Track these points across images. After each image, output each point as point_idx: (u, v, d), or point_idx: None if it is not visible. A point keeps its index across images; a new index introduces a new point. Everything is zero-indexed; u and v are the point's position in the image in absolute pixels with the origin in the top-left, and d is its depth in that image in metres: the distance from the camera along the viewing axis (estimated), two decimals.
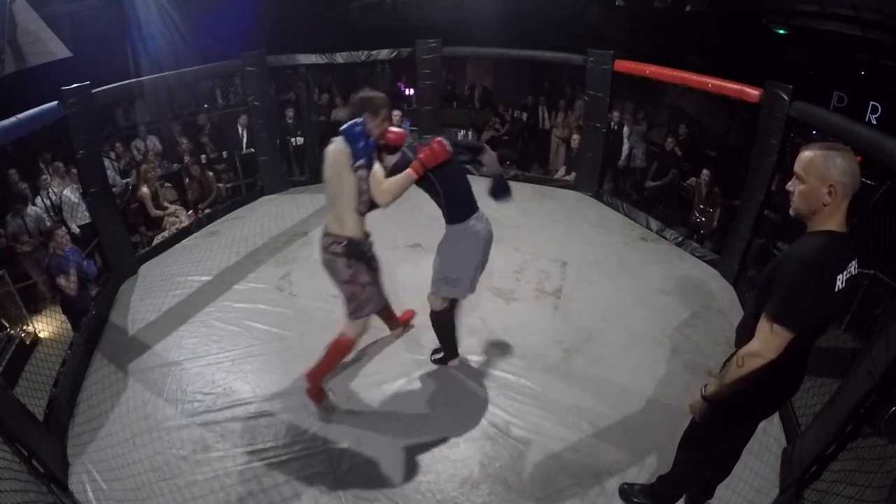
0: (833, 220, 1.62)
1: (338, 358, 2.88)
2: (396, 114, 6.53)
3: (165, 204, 5.53)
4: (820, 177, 1.59)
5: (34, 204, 4.87)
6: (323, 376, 2.91)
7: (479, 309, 3.84)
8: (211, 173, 5.88)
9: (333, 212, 2.65)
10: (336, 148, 2.48)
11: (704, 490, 2.37)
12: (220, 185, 5.97)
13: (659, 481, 2.37)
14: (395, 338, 3.49)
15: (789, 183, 1.70)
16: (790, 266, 1.61)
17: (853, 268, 1.65)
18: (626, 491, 2.49)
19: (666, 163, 5.72)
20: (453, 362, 3.25)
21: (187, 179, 5.77)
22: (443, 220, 2.78)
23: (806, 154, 1.64)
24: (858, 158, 1.69)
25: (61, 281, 3.71)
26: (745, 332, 1.79)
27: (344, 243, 2.65)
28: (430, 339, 3.43)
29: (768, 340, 1.61)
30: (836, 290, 1.61)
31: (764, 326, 1.62)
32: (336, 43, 6.31)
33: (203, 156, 6.35)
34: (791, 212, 1.71)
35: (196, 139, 6.25)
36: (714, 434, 1.98)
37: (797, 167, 1.66)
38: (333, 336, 2.85)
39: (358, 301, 2.74)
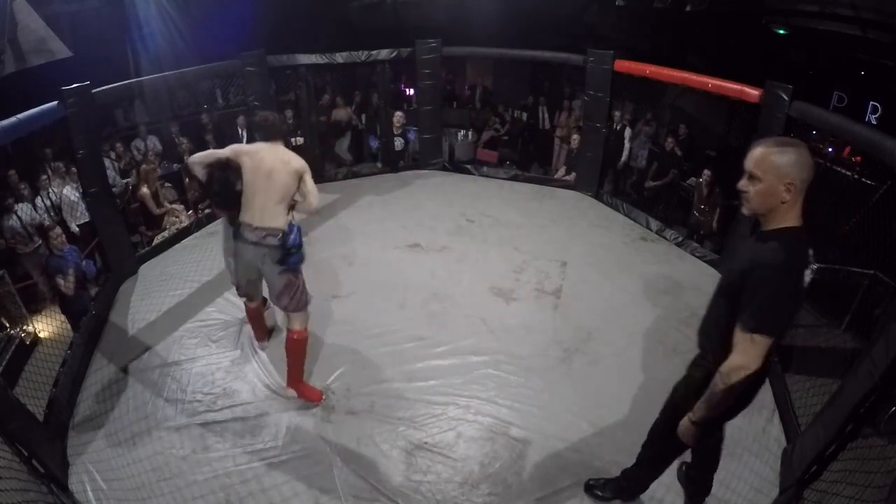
0: (791, 216, 1.59)
1: (303, 355, 3.01)
2: (398, 115, 6.54)
3: (165, 203, 5.54)
4: (778, 174, 1.55)
5: (34, 204, 4.87)
6: (302, 376, 3.05)
7: (479, 309, 3.84)
8: None
9: (273, 207, 2.75)
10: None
11: (699, 487, 2.38)
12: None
13: (624, 475, 2.38)
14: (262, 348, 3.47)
15: (742, 182, 1.66)
16: (763, 274, 1.56)
17: (811, 257, 1.64)
18: (592, 486, 2.50)
19: (666, 163, 5.72)
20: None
21: (187, 179, 5.76)
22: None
23: (760, 151, 1.60)
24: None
25: (59, 281, 3.71)
26: (710, 334, 1.78)
27: (279, 235, 2.76)
28: (437, 342, 3.45)
29: (750, 351, 1.57)
30: (805, 284, 1.61)
31: (744, 338, 1.58)
32: (336, 43, 6.31)
33: None
34: (745, 211, 1.68)
35: (201, 138, 6.24)
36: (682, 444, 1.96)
37: (751, 166, 1.62)
38: (287, 338, 2.96)
39: (296, 288, 2.86)
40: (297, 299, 2.86)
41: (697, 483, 2.38)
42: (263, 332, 3.50)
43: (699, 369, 1.88)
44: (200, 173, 2.88)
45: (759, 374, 1.68)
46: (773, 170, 1.56)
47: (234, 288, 4.09)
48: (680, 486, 2.52)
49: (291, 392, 3.05)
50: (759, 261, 1.59)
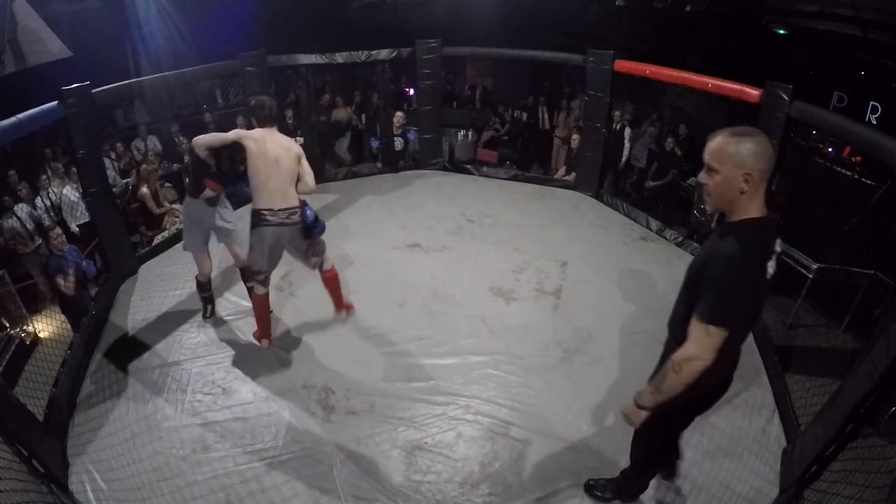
0: (753, 206, 1.56)
1: (339, 283, 3.61)
2: (399, 115, 6.54)
3: (165, 203, 5.54)
4: (734, 164, 1.52)
5: (34, 204, 4.87)
6: (342, 297, 3.67)
7: (479, 309, 3.84)
8: None
9: (287, 189, 3.06)
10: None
11: (630, 484, 2.38)
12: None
13: (622, 476, 2.38)
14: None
15: (700, 174, 1.64)
16: (719, 266, 1.54)
17: (778, 246, 1.62)
18: (591, 486, 2.49)
19: (666, 163, 5.72)
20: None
21: (187, 180, 5.76)
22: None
23: (716, 142, 1.57)
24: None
25: (59, 281, 3.71)
26: (676, 328, 1.75)
27: (298, 212, 3.11)
28: (437, 342, 3.45)
29: (704, 343, 1.54)
30: (768, 276, 1.59)
31: (698, 328, 1.55)
32: (336, 43, 6.31)
33: None
34: (707, 207, 1.64)
35: None
36: (657, 438, 1.99)
37: (708, 157, 1.60)
38: (326, 278, 3.49)
39: (319, 245, 3.35)
40: (320, 251, 3.36)
41: (628, 480, 2.36)
42: (269, 327, 3.54)
43: (664, 362, 1.86)
44: (204, 154, 3.06)
45: (717, 379, 1.68)
46: (730, 160, 1.53)
47: (232, 288, 4.11)
48: (681, 488, 2.52)
49: (343, 313, 3.67)
50: (716, 253, 1.57)
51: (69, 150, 4.10)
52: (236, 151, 3.05)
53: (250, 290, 3.48)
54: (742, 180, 1.52)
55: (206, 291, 3.75)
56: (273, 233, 3.05)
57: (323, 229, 3.31)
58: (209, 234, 3.53)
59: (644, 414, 1.77)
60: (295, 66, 5.80)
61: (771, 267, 1.58)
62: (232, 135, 3.04)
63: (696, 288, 1.61)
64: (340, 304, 3.67)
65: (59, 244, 3.79)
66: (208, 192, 3.29)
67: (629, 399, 1.81)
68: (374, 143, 6.73)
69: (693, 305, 1.60)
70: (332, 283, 3.54)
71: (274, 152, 2.98)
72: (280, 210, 3.01)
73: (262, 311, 3.43)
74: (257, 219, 3.05)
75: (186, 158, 5.95)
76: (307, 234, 3.22)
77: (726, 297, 1.52)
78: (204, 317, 3.76)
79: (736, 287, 1.52)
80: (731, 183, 1.54)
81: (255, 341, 3.52)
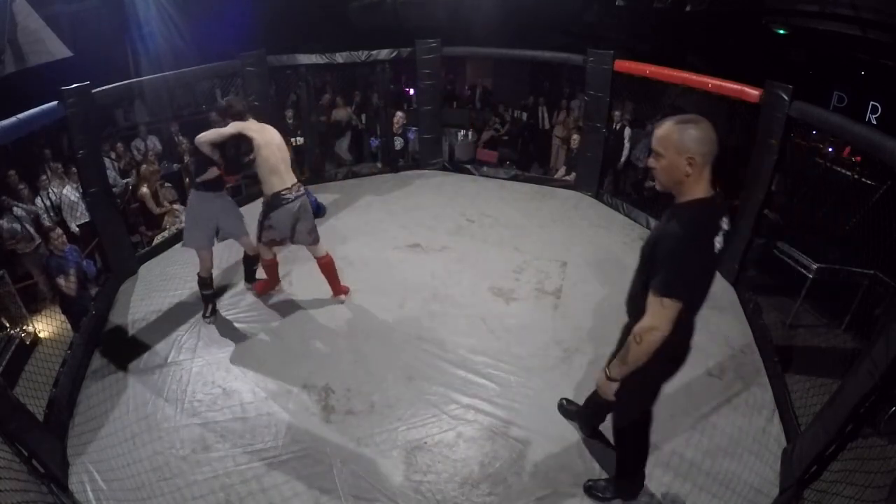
0: (699, 188, 1.69)
1: (335, 268, 3.88)
2: (399, 115, 6.54)
3: (165, 203, 5.54)
4: (678, 150, 1.65)
5: (34, 203, 4.87)
6: (339, 283, 3.92)
7: (479, 308, 3.84)
8: None
9: (290, 168, 3.50)
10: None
11: (596, 416, 2.59)
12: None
13: (618, 474, 2.42)
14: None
15: (650, 160, 1.77)
16: (669, 242, 1.68)
17: (725, 224, 1.72)
18: (590, 487, 2.50)
19: None
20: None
21: (187, 179, 5.76)
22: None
23: (661, 130, 1.69)
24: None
25: (61, 281, 3.71)
26: (634, 305, 1.88)
27: (303, 186, 3.57)
28: (437, 342, 3.44)
29: (660, 314, 1.68)
30: (716, 251, 1.70)
31: (654, 302, 1.68)
32: (336, 43, 6.31)
33: None
34: (657, 187, 1.78)
35: None
36: (633, 408, 2.08)
37: (654, 144, 1.72)
38: (322, 263, 3.80)
39: (314, 226, 3.70)
40: (315, 233, 3.67)
41: (596, 414, 2.52)
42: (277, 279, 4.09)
43: (627, 336, 1.96)
44: (208, 150, 3.28)
45: (677, 349, 1.86)
46: (674, 146, 1.65)
47: (232, 288, 4.12)
48: (682, 490, 2.52)
49: (341, 297, 3.90)
50: (666, 231, 1.71)
51: (66, 152, 4.09)
52: (241, 143, 3.31)
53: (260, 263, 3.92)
54: (686, 164, 1.65)
55: (209, 288, 3.76)
56: (293, 207, 3.45)
57: (325, 211, 3.92)
58: (215, 230, 3.61)
59: (615, 385, 1.91)
60: (295, 66, 5.80)
61: (718, 243, 1.70)
62: (231, 129, 3.28)
63: (649, 265, 1.75)
64: (338, 289, 3.90)
65: (59, 244, 3.79)
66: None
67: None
68: (374, 143, 6.73)
69: (647, 282, 1.73)
70: (328, 268, 3.81)
71: (273, 138, 3.37)
72: (293, 186, 3.45)
73: (273, 269, 3.97)
74: (277, 201, 3.42)
75: (187, 158, 5.96)
76: (316, 210, 3.67)
77: (678, 272, 1.66)
78: (204, 316, 3.76)
79: (686, 262, 1.66)
80: (676, 166, 1.67)
81: (256, 341, 3.51)
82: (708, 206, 1.69)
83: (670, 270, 1.67)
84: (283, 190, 3.40)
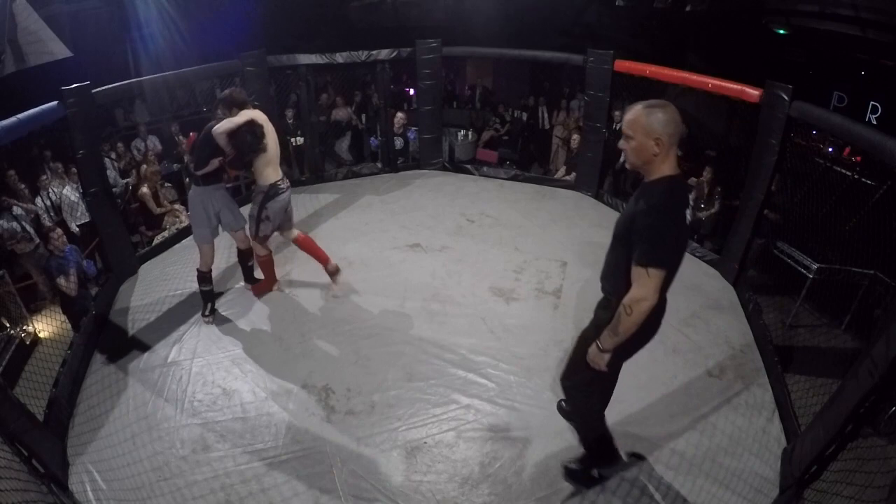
0: (667, 166, 1.82)
1: (314, 243, 3.92)
2: (400, 115, 6.54)
3: (166, 203, 5.54)
4: (645, 132, 1.77)
5: (34, 203, 4.87)
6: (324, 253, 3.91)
7: (479, 308, 3.84)
8: None
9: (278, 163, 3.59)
10: None
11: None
12: None
13: (584, 445, 2.50)
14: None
15: (620, 142, 1.89)
16: (647, 217, 1.79)
17: (690, 200, 1.81)
18: (571, 469, 2.56)
19: None
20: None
21: (187, 179, 5.76)
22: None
23: (630, 114, 1.82)
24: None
25: (61, 281, 3.71)
26: (612, 279, 2.00)
27: None
28: (437, 342, 3.44)
29: (647, 284, 1.79)
30: (687, 223, 1.85)
31: (640, 273, 1.79)
32: (336, 43, 6.31)
33: None
34: (627, 166, 1.90)
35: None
36: (602, 374, 2.11)
37: (624, 127, 1.85)
38: (301, 240, 3.85)
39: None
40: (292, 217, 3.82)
41: (592, 442, 2.52)
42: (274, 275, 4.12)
43: (606, 311, 2.04)
44: (224, 141, 3.29)
45: (658, 310, 1.95)
46: (642, 128, 1.78)
47: (232, 287, 4.12)
48: (682, 490, 2.52)
49: (332, 264, 3.88)
50: (642, 206, 1.82)
51: (69, 150, 4.09)
52: (255, 129, 3.36)
53: (256, 258, 3.91)
54: (654, 144, 1.77)
55: (208, 284, 3.75)
56: (286, 198, 3.58)
57: None
58: (217, 224, 3.65)
59: (608, 356, 2.01)
60: (295, 66, 5.80)
61: (688, 215, 1.79)
62: (241, 117, 3.32)
63: (625, 242, 1.87)
64: (326, 258, 3.89)
65: (60, 245, 3.79)
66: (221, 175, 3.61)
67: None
68: (375, 143, 6.73)
69: (628, 255, 1.85)
70: (307, 243, 3.88)
71: (271, 129, 3.45)
72: (284, 177, 3.57)
73: (271, 267, 3.97)
74: (274, 191, 3.52)
75: (187, 158, 5.96)
76: None
77: (658, 242, 1.78)
78: (204, 315, 3.75)
79: (664, 232, 1.78)
80: (645, 147, 1.79)
81: (256, 341, 3.51)
82: (677, 181, 1.84)
83: (651, 241, 1.77)
84: (278, 181, 3.52)
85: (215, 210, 3.59)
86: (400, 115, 6.59)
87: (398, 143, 6.58)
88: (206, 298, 3.77)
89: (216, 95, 7.13)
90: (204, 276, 3.71)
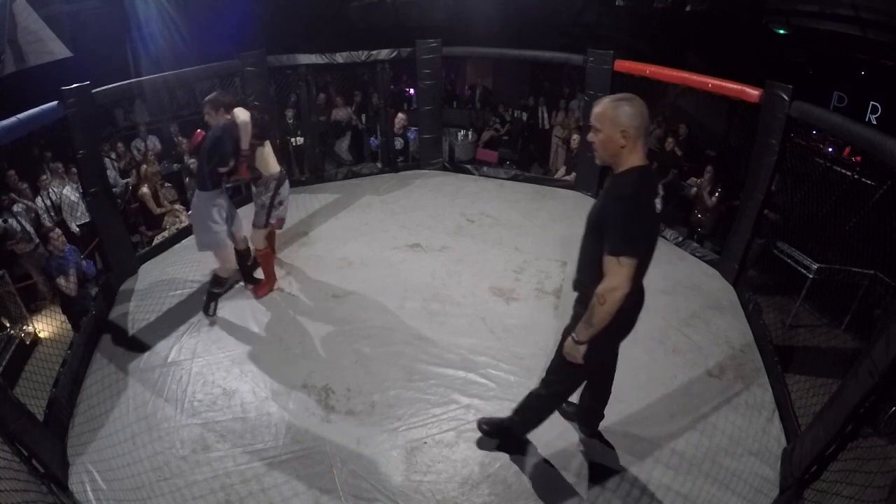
0: (635, 157, 1.87)
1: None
2: (401, 116, 6.54)
3: (165, 203, 5.54)
4: (612, 124, 1.83)
5: (33, 203, 4.87)
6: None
7: (478, 308, 3.84)
8: None
9: None
10: None
11: (594, 415, 2.68)
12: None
13: (517, 412, 2.56)
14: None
15: (589, 135, 1.94)
16: (616, 207, 1.85)
17: (661, 189, 1.94)
18: (485, 429, 2.70)
19: (666, 163, 5.72)
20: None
21: (187, 179, 5.76)
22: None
23: (598, 107, 1.87)
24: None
25: (61, 281, 3.71)
26: (586, 271, 2.03)
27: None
28: (437, 342, 3.44)
29: (620, 273, 1.82)
30: (657, 212, 1.90)
31: (612, 263, 1.83)
32: (336, 43, 6.31)
33: None
34: (597, 160, 1.95)
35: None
36: (586, 359, 2.10)
37: (592, 120, 1.90)
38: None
39: None
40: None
41: (592, 411, 2.66)
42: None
43: (582, 305, 2.06)
44: (248, 132, 3.38)
45: (634, 300, 2.00)
46: (609, 121, 1.84)
47: (232, 287, 4.12)
48: (682, 490, 2.52)
49: (250, 287, 4.01)
50: (612, 197, 1.89)
51: (69, 150, 4.09)
52: (263, 116, 3.56)
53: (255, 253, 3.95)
54: (620, 136, 1.83)
55: (221, 287, 3.75)
56: (287, 185, 3.78)
57: None
58: (231, 223, 3.67)
59: (583, 348, 2.02)
60: (295, 66, 5.80)
61: (658, 204, 1.89)
62: (245, 116, 3.38)
63: (597, 233, 1.91)
64: (266, 281, 4.03)
65: (59, 245, 3.79)
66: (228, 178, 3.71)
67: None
68: (375, 143, 6.73)
69: (595, 249, 1.90)
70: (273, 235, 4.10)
71: None
72: (282, 168, 3.74)
73: (271, 262, 4.04)
74: (283, 176, 3.73)
75: (187, 158, 5.96)
76: None
77: (628, 231, 1.82)
78: (207, 314, 3.74)
79: (633, 222, 1.83)
80: (612, 139, 1.85)
81: (256, 341, 3.51)
82: (645, 171, 1.88)
83: (621, 231, 1.82)
84: (278, 172, 3.70)
85: (228, 211, 3.60)
86: (401, 115, 6.59)
87: (398, 143, 6.59)
88: (212, 298, 3.76)
89: (227, 93, 7.16)
90: (222, 282, 3.69)
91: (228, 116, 3.37)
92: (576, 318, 2.11)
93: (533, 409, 2.50)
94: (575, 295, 2.17)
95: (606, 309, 1.86)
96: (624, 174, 1.88)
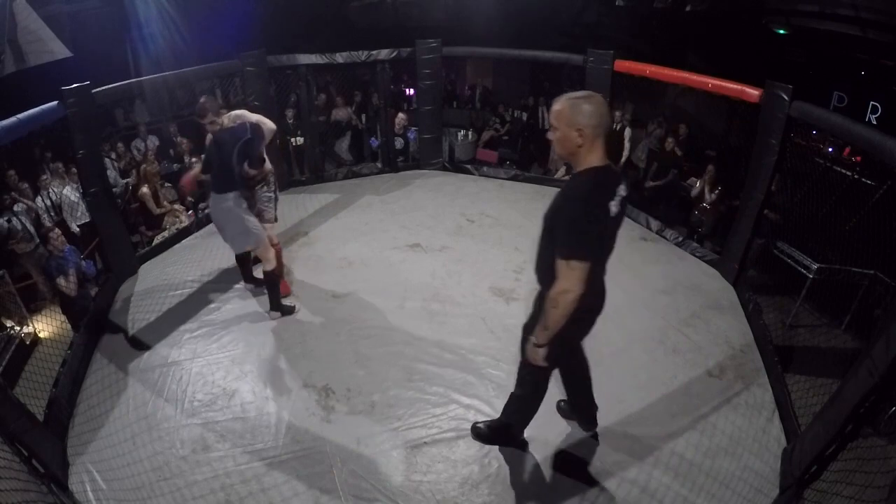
0: (593, 157, 1.84)
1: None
2: (401, 116, 6.54)
3: (165, 204, 5.54)
4: (568, 123, 1.81)
5: (33, 202, 4.87)
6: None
7: (478, 308, 3.84)
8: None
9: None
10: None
11: (587, 407, 2.68)
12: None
13: (508, 403, 2.56)
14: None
15: (549, 132, 1.93)
16: (567, 208, 1.84)
17: (622, 190, 1.90)
18: (480, 430, 2.67)
19: (666, 163, 5.72)
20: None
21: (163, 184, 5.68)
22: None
23: (556, 105, 1.86)
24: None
25: (61, 282, 3.71)
26: (543, 271, 2.02)
27: None
28: (437, 342, 3.44)
29: (570, 276, 1.82)
30: (612, 214, 1.86)
31: (562, 266, 1.83)
32: (336, 43, 6.31)
33: (203, 156, 6.32)
34: (555, 157, 1.91)
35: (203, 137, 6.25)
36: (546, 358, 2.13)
37: (551, 118, 1.89)
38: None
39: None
40: None
41: (580, 406, 2.68)
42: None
43: (539, 304, 2.10)
44: (269, 134, 3.50)
45: (592, 300, 2.00)
46: (565, 119, 1.82)
47: (232, 287, 4.12)
48: (682, 490, 2.52)
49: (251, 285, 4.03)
50: (564, 198, 1.88)
51: (69, 149, 4.09)
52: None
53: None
54: (577, 135, 1.80)
55: (281, 276, 3.86)
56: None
57: None
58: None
59: (543, 351, 2.04)
60: (295, 66, 5.80)
61: (614, 206, 1.86)
62: (254, 117, 3.45)
63: (550, 233, 1.91)
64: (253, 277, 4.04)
65: (59, 245, 3.79)
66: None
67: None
68: (374, 143, 6.73)
69: (549, 250, 1.90)
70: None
71: None
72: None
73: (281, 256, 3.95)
74: (273, 175, 3.74)
75: (187, 158, 5.96)
76: None
77: (578, 235, 1.81)
78: (283, 312, 3.74)
79: (585, 225, 1.80)
80: (568, 137, 1.82)
81: (256, 341, 3.52)
82: (601, 173, 1.85)
83: (571, 234, 1.81)
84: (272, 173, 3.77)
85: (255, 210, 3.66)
86: (401, 115, 6.59)
87: (398, 143, 6.58)
88: (277, 296, 3.72)
89: (216, 96, 7.15)
90: (275, 278, 3.67)
91: (224, 119, 3.41)
92: (533, 317, 2.16)
93: (517, 409, 2.52)
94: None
95: (560, 312, 1.87)
96: (579, 174, 1.87)
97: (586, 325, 2.18)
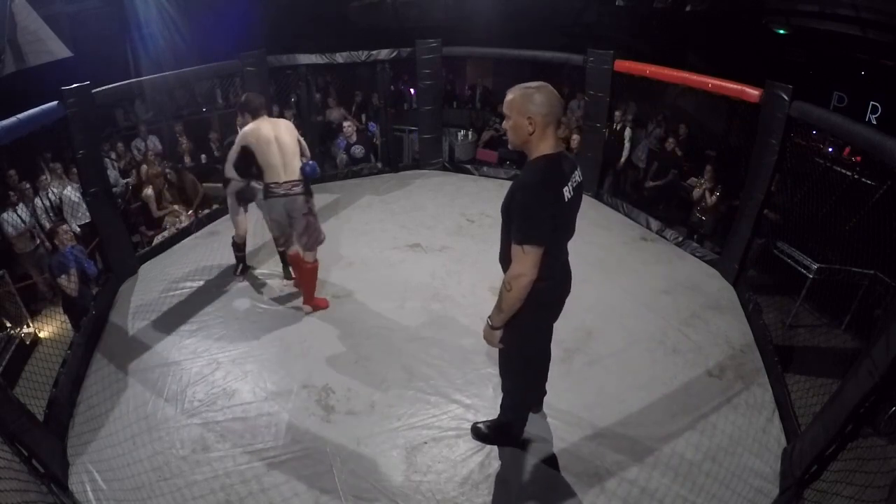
0: (545, 145, 1.90)
1: (314, 278, 3.79)
2: (347, 125, 6.49)
3: (166, 204, 5.54)
4: (520, 112, 1.87)
5: (33, 202, 4.87)
6: (313, 294, 3.80)
7: (479, 308, 3.84)
8: (192, 176, 5.82)
9: (292, 163, 3.41)
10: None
11: (537, 390, 2.74)
12: (220, 185, 5.97)
13: (501, 411, 2.57)
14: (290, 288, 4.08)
15: (503, 122, 2.00)
16: (521, 195, 1.87)
17: (577, 176, 1.99)
18: (475, 427, 2.66)
19: (666, 163, 5.72)
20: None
21: (166, 185, 5.64)
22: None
23: (509, 95, 1.91)
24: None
25: (62, 280, 3.71)
26: (505, 262, 2.03)
27: (300, 184, 3.45)
28: (437, 342, 3.44)
29: (524, 261, 1.87)
30: (567, 199, 1.91)
31: (516, 251, 1.88)
32: (336, 43, 6.31)
33: (203, 156, 6.35)
34: (509, 145, 1.98)
35: (202, 137, 6.25)
36: (514, 354, 2.22)
37: (504, 107, 1.94)
38: (304, 269, 3.69)
39: (314, 228, 3.56)
40: (314, 239, 3.58)
41: (534, 385, 2.69)
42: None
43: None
44: (234, 174, 3.56)
45: (553, 284, 2.06)
46: (516, 108, 1.88)
47: (232, 287, 4.12)
48: (682, 490, 2.52)
49: (308, 308, 3.79)
50: (518, 185, 1.92)
51: (69, 150, 4.09)
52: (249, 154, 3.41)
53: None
54: (528, 123, 1.86)
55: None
56: (279, 203, 3.45)
57: (318, 174, 3.66)
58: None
59: (499, 333, 2.09)
60: (295, 66, 5.80)
61: (567, 192, 1.92)
62: (238, 144, 3.39)
63: (507, 220, 1.94)
64: (310, 298, 3.83)
65: (66, 240, 3.79)
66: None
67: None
68: (342, 145, 6.53)
69: (507, 236, 1.94)
70: (308, 275, 3.75)
71: (272, 135, 3.35)
72: (284, 182, 3.40)
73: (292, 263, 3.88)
74: (266, 192, 3.47)
75: (187, 159, 5.97)
76: (304, 204, 3.51)
77: (531, 220, 1.85)
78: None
79: (536, 211, 1.84)
80: (520, 126, 1.88)
81: (256, 341, 3.52)
82: (553, 160, 1.90)
83: (524, 219, 1.85)
84: (272, 183, 3.41)
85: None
86: (346, 123, 6.48)
87: (357, 151, 6.44)
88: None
89: (216, 96, 7.17)
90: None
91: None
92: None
93: (510, 407, 2.53)
94: None
95: (514, 295, 1.93)
96: (532, 162, 1.92)
97: (557, 308, 2.28)
